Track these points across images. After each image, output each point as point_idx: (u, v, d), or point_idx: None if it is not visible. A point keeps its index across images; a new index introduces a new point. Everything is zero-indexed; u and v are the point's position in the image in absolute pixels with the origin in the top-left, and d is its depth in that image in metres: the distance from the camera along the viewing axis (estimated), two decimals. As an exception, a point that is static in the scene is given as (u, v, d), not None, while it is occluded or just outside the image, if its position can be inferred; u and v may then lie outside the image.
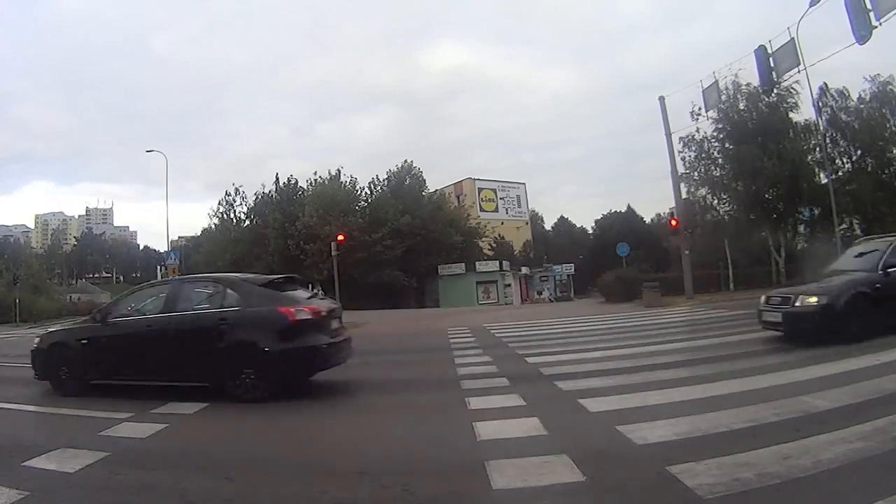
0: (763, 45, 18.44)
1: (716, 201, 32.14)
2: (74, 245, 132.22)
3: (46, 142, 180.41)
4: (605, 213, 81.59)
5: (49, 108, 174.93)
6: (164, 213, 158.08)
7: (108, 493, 4.15)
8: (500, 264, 51.75)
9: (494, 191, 78.54)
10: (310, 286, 10.94)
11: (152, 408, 6.89)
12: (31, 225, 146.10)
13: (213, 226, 63.70)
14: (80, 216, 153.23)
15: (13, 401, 7.94)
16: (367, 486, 3.93)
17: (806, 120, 31.10)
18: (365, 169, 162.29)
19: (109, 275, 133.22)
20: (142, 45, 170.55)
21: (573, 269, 62.92)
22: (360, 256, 39.51)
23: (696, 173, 31.78)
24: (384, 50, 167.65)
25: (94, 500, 4.05)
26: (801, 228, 32.96)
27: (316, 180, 50.48)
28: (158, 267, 39.38)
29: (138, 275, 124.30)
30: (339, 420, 6.42)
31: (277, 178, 54.16)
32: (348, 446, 5.14)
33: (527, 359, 9.83)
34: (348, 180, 50.01)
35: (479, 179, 77.32)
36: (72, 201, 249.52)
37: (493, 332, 15.94)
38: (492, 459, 4.19)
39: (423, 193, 52.02)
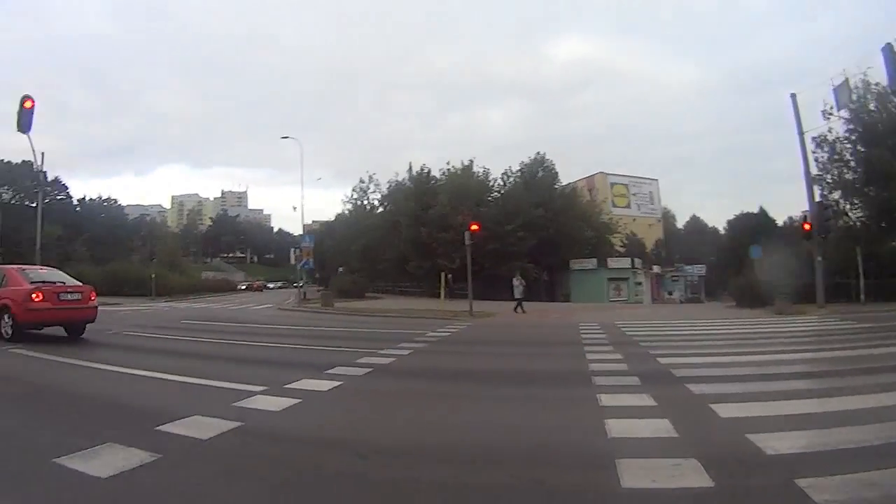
0: (890, 43, 16.44)
1: (848, 206, 29.86)
2: (210, 225, 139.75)
3: (181, 127, 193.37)
4: (736, 213, 76.10)
5: (182, 97, 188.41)
6: (297, 198, 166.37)
7: (240, 459, 4.33)
8: (632, 262, 49.82)
9: (626, 186, 76.53)
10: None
11: (286, 382, 7.21)
12: (167, 205, 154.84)
13: (348, 212, 66.89)
14: (215, 198, 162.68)
15: (150, 369, 8.56)
16: (501, 475, 3.97)
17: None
18: (492, 160, 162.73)
19: (244, 255, 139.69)
20: (271, 38, 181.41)
21: (704, 271, 60.38)
22: (492, 248, 39.23)
23: (829, 176, 29.64)
24: (510, 41, 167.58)
25: (226, 465, 4.21)
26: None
27: (449, 170, 50.73)
28: (292, 249, 41.84)
29: (272, 256, 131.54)
30: (473, 407, 6.45)
31: (410, 167, 55.10)
32: (481, 434, 5.11)
33: (658, 359, 9.59)
34: (481, 171, 50.10)
35: (610, 174, 75.59)
36: (207, 185, 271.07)
37: (623, 329, 15.76)
38: (622, 458, 4.16)
39: (556, 186, 50.87)
